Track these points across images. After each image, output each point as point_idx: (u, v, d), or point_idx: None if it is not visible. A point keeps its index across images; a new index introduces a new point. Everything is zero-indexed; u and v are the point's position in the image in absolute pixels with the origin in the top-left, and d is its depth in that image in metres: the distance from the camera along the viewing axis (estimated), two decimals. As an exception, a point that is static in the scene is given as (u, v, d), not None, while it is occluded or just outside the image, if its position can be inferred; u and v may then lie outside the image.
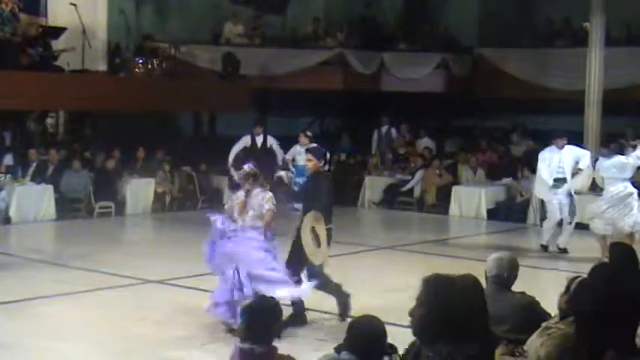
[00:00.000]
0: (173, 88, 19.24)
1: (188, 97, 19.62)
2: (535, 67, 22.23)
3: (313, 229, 9.22)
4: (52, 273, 12.40)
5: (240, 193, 9.32)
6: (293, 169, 17.77)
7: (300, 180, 17.47)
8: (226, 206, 9.63)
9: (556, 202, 14.44)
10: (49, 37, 18.02)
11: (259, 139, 17.53)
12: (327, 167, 10.49)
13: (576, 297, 5.58)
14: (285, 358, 5.14)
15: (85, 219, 17.50)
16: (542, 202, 18.07)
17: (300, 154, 17.57)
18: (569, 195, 14.41)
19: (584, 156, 14.40)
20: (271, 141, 17.47)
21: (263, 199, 9.15)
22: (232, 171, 17.47)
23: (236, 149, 17.48)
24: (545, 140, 21.76)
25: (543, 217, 17.95)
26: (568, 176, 14.29)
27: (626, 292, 5.97)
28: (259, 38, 22.56)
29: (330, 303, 10.11)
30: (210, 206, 19.33)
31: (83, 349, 8.66)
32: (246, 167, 9.42)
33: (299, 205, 17.61)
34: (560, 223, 14.66)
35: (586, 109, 18.98)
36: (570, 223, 14.46)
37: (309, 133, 17.94)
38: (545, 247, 14.79)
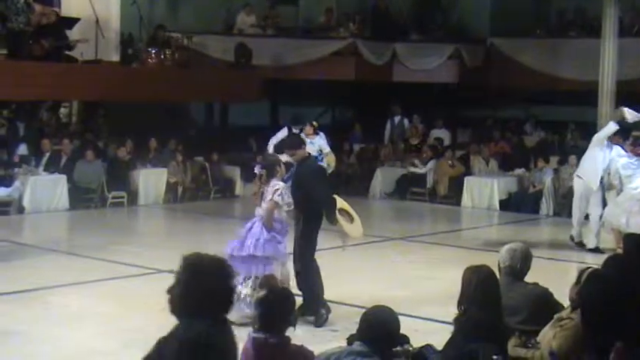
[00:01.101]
0: (185, 78, 19.26)
1: (200, 87, 19.64)
2: (548, 57, 22.16)
3: (340, 211, 9.29)
4: (64, 262, 12.45)
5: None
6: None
7: None
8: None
9: (578, 196, 14.06)
10: (63, 28, 18.06)
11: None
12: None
13: (585, 287, 5.60)
14: (298, 348, 5.15)
15: (97, 209, 17.55)
16: (555, 192, 18.08)
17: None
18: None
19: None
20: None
21: (271, 190, 9.11)
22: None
23: (274, 141, 17.63)
24: (557, 131, 21.83)
25: (556, 208, 17.98)
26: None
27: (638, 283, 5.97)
28: (272, 28, 22.55)
29: (342, 293, 10.14)
30: (222, 196, 19.42)
31: (94, 338, 8.69)
32: (256, 170, 9.48)
33: None
34: (585, 217, 14.13)
35: (599, 99, 18.91)
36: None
37: (314, 123, 17.92)
38: (576, 243, 14.11)
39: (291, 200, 9.21)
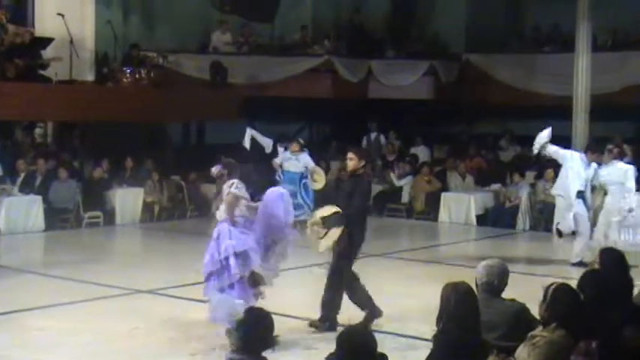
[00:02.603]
0: (161, 97, 19.22)
1: (176, 106, 19.61)
2: (523, 72, 22.30)
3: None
4: (40, 284, 12.35)
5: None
6: (281, 175, 17.98)
7: (289, 187, 17.84)
8: None
9: (560, 213, 14.16)
10: (37, 47, 17.99)
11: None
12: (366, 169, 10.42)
13: (554, 302, 5.64)
14: (275, 368, 5.13)
15: (73, 229, 17.44)
16: (531, 207, 18.16)
17: (289, 160, 17.87)
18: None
19: None
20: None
21: (227, 185, 9.08)
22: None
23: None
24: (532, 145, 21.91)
25: (532, 223, 18.06)
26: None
27: (615, 297, 6.01)
28: (247, 46, 22.57)
29: (317, 312, 10.10)
30: (199, 215, 19.35)
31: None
32: (213, 169, 9.40)
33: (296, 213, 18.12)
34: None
35: (574, 114, 19.03)
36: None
37: (301, 140, 18.32)
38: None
39: (247, 195, 9.17)
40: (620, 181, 13.49)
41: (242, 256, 8.91)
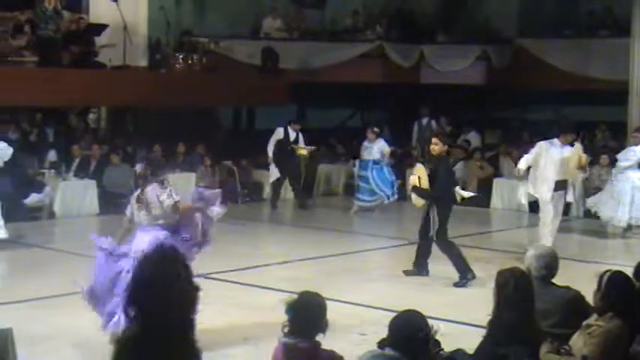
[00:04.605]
0: (213, 82, 19.31)
1: (228, 91, 19.70)
2: (577, 57, 22.03)
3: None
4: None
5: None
6: (357, 163, 18.15)
7: (363, 173, 17.95)
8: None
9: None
10: (91, 34, 18.19)
11: (292, 134, 18.03)
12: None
13: (610, 291, 5.56)
14: (328, 352, 5.14)
15: (127, 213, 17.56)
16: (585, 194, 17.98)
17: (366, 150, 17.98)
18: None
19: None
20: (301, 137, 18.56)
21: (159, 195, 8.68)
22: (273, 166, 18.00)
23: (272, 143, 18.08)
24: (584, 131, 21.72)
25: (586, 210, 17.88)
26: None
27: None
28: (298, 32, 22.57)
29: (368, 296, 10.12)
30: (251, 200, 19.43)
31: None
32: (137, 168, 9.02)
33: (367, 197, 18.33)
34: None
35: (629, 99, 18.79)
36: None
37: (375, 129, 18.38)
38: None
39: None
40: None
41: None
